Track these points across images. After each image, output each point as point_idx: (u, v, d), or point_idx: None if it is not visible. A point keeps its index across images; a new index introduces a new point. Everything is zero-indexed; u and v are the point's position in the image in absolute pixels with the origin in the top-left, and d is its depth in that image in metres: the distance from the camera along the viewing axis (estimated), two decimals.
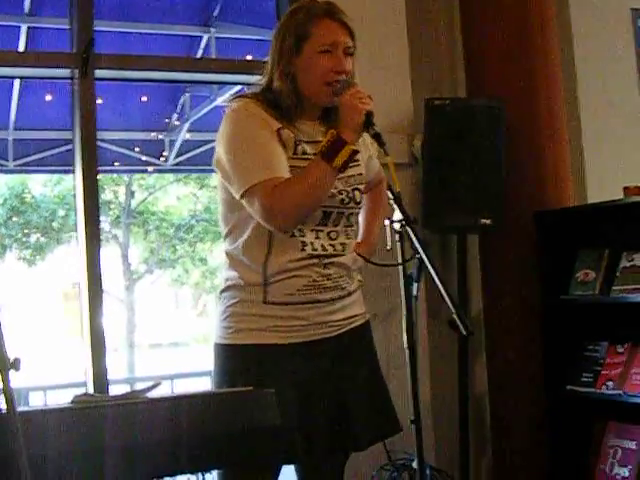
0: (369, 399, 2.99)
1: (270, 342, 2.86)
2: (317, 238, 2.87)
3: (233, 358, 2.92)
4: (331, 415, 2.90)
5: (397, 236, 2.92)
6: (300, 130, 2.91)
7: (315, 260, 2.86)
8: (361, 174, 3.00)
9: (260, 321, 2.87)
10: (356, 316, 3.03)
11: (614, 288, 4.35)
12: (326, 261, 2.87)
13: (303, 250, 2.84)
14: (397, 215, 2.89)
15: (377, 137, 2.75)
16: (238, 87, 5.97)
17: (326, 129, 2.90)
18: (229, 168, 2.83)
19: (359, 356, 3.03)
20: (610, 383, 4.31)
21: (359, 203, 2.98)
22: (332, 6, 2.93)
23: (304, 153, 2.87)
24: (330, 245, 2.89)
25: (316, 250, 2.86)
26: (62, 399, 2.31)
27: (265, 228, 2.80)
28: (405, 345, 2.91)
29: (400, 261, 2.92)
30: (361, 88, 2.83)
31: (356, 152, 2.76)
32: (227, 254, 2.96)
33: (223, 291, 2.97)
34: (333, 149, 2.72)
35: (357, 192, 2.96)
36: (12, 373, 2.03)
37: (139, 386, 2.64)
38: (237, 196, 2.80)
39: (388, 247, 2.93)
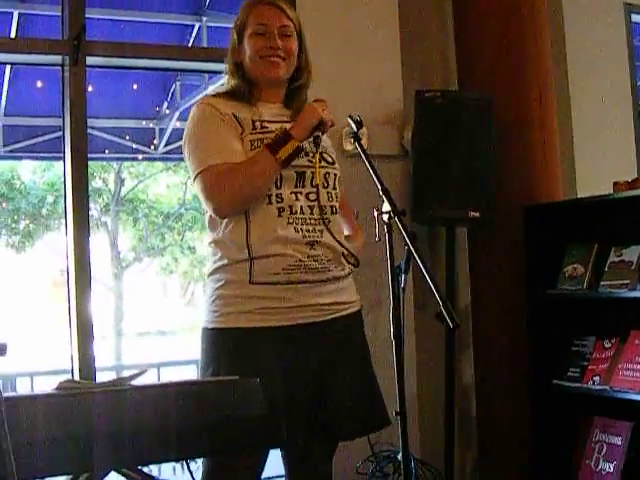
0: (357, 390, 3.00)
1: (256, 325, 2.88)
2: (296, 200, 2.93)
3: (218, 342, 2.94)
4: (316, 400, 2.92)
5: (385, 227, 2.92)
6: (262, 112, 3.04)
7: (299, 235, 2.90)
8: (330, 146, 3.15)
9: (246, 303, 2.89)
10: (347, 303, 3.05)
11: (602, 283, 4.36)
12: (311, 239, 2.91)
13: (280, 216, 2.89)
14: (386, 207, 2.90)
15: (315, 138, 2.91)
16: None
17: (291, 112, 3.07)
18: (186, 157, 2.99)
19: (349, 344, 3.04)
20: (597, 378, 4.32)
21: (332, 163, 3.07)
22: None
23: (263, 127, 2.98)
24: (309, 207, 2.94)
25: (294, 213, 2.91)
26: (49, 385, 2.31)
27: None
28: (392, 336, 2.91)
29: (389, 253, 2.92)
30: (324, 104, 3.01)
31: (300, 149, 2.88)
32: (211, 242, 3.02)
33: (210, 274, 3.01)
34: (279, 142, 2.87)
35: (325, 154, 3.06)
36: None
37: (126, 374, 2.64)
38: (191, 182, 2.96)
39: (377, 238, 2.93)
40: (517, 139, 4.80)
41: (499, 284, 4.79)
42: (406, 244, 2.82)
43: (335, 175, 3.06)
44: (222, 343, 2.93)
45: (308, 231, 2.92)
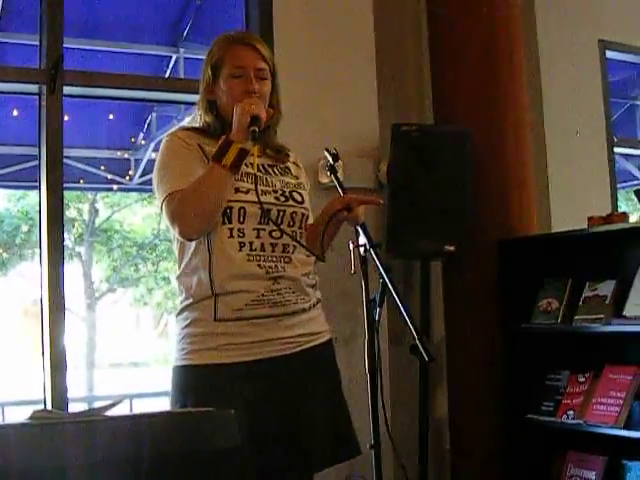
0: (326, 420, 2.99)
1: (222, 361, 2.88)
2: (258, 237, 2.92)
3: (185, 379, 2.95)
4: (285, 435, 2.90)
5: (360, 260, 2.92)
6: None
7: (262, 270, 2.89)
8: (301, 183, 3.12)
9: (211, 340, 2.90)
10: (315, 334, 3.04)
11: (576, 317, 4.37)
12: (274, 274, 2.90)
13: (240, 250, 2.89)
14: (361, 240, 2.90)
15: (253, 133, 2.83)
16: None
17: (262, 146, 3.06)
18: (154, 188, 2.99)
19: (318, 375, 3.03)
20: (571, 412, 4.33)
21: (301, 203, 3.05)
22: (244, 34, 3.16)
23: None
24: (271, 245, 2.93)
25: (255, 250, 2.90)
26: (20, 416, 2.29)
27: (205, 239, 2.90)
28: (366, 370, 2.91)
29: (364, 286, 2.92)
30: (258, 99, 2.95)
31: (244, 150, 2.84)
32: (178, 278, 3.03)
33: (178, 314, 3.02)
34: (221, 150, 2.84)
35: (295, 193, 3.05)
36: None
37: (99, 404, 2.61)
38: (159, 211, 2.95)
39: (352, 271, 2.93)
40: (493, 173, 4.83)
41: (474, 318, 4.80)
42: (381, 277, 2.83)
43: (303, 215, 3.03)
44: (189, 380, 2.94)
45: (270, 267, 2.91)
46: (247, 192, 2.91)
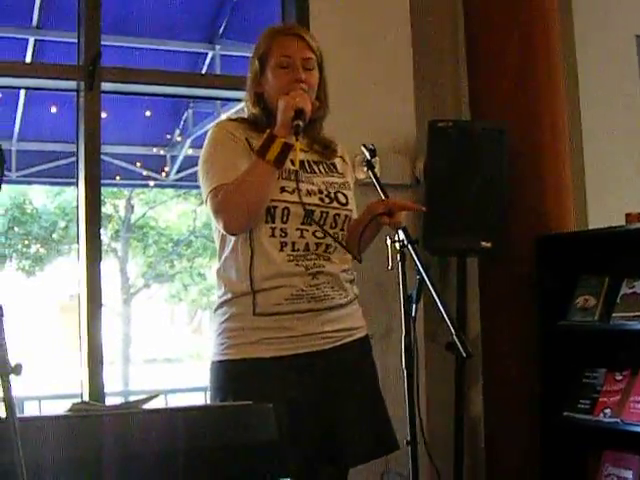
0: (363, 415, 2.99)
1: (261, 356, 2.89)
2: (301, 237, 2.91)
3: (225, 374, 2.97)
4: (322, 430, 2.91)
5: (398, 256, 2.92)
6: None
7: (301, 268, 2.89)
8: (346, 182, 3.10)
9: (251, 334, 2.91)
10: (353, 329, 3.05)
11: (614, 315, 4.34)
12: (314, 270, 2.91)
13: (282, 250, 2.89)
14: (399, 236, 2.90)
15: (296, 128, 2.81)
16: (242, 104, 5.97)
17: (309, 141, 3.05)
18: (199, 180, 2.99)
19: (355, 370, 3.04)
20: (608, 411, 4.30)
21: (345, 204, 3.02)
22: (289, 25, 3.09)
23: None
24: (316, 244, 2.93)
25: (297, 250, 2.90)
26: (57, 409, 2.31)
27: (247, 236, 2.90)
28: (403, 366, 2.91)
29: (401, 282, 2.92)
30: (303, 92, 2.92)
31: (288, 145, 2.81)
32: (217, 272, 3.04)
33: (216, 309, 3.03)
34: (265, 145, 2.83)
35: (340, 194, 3.03)
36: (13, 378, 2.02)
37: (135, 398, 2.62)
38: (205, 204, 2.95)
39: (389, 267, 2.93)
40: (529, 169, 4.81)
41: (510, 315, 4.78)
42: (418, 273, 2.83)
43: (346, 216, 3.02)
44: (228, 374, 2.96)
45: (310, 265, 2.92)
46: (293, 192, 2.90)
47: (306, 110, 2.85)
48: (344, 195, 3.04)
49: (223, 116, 8.96)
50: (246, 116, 3.11)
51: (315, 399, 2.91)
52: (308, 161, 3.05)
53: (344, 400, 2.96)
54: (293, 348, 2.91)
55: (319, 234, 2.94)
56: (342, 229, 3.01)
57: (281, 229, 2.90)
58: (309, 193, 2.93)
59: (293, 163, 2.91)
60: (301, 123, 2.82)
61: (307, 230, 2.93)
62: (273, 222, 2.89)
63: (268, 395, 2.72)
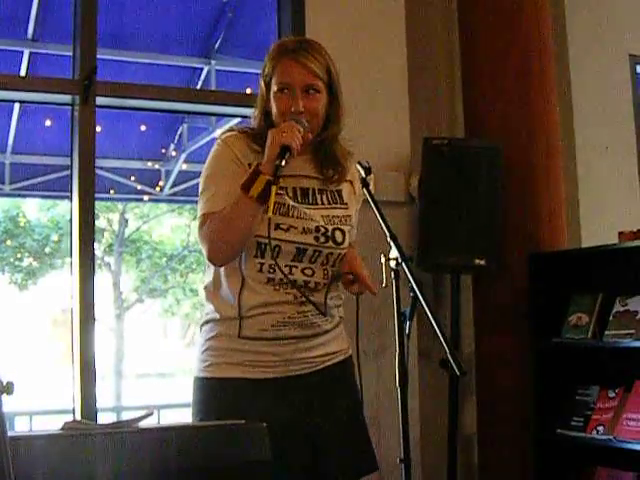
0: (344, 437, 2.97)
1: (245, 376, 2.88)
2: (290, 274, 2.87)
3: (207, 391, 2.95)
4: (302, 452, 2.89)
5: (392, 274, 2.92)
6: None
7: (290, 297, 2.87)
8: (348, 216, 3.01)
9: (235, 355, 2.90)
10: (335, 353, 3.02)
11: (607, 332, 4.35)
12: (301, 299, 2.88)
13: (268, 283, 2.86)
14: (393, 253, 2.90)
15: (275, 169, 2.71)
16: (237, 119, 5.98)
17: (317, 164, 2.98)
18: (199, 190, 2.94)
19: (336, 393, 3.01)
20: (601, 428, 4.30)
21: (340, 244, 2.95)
22: (296, 44, 2.95)
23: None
24: (304, 281, 2.89)
25: (284, 285, 2.86)
26: (48, 425, 2.30)
27: (237, 265, 2.87)
28: (397, 384, 2.90)
29: (395, 300, 2.92)
30: (294, 123, 2.82)
31: (270, 182, 2.71)
32: (205, 288, 3.02)
33: (202, 325, 3.02)
34: (250, 180, 2.74)
35: (338, 232, 2.95)
36: (4, 397, 2.01)
37: (126, 415, 2.60)
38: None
39: (383, 284, 2.92)
40: (523, 188, 4.82)
41: (504, 332, 4.78)
42: (412, 291, 2.83)
43: (339, 254, 2.95)
44: (211, 392, 2.94)
45: (298, 295, 2.88)
46: (287, 229, 2.85)
47: (292, 146, 2.74)
48: (342, 232, 2.96)
49: (217, 132, 8.97)
50: (254, 128, 3.00)
51: (296, 422, 2.88)
52: (313, 189, 2.97)
53: (325, 423, 2.93)
54: (277, 372, 2.90)
55: (308, 272, 2.90)
56: (333, 265, 2.96)
57: (270, 265, 2.85)
58: (304, 231, 2.88)
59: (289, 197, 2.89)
60: (283, 163, 2.72)
61: (296, 267, 2.88)
62: (262, 257, 2.85)
63: (250, 416, 2.70)
